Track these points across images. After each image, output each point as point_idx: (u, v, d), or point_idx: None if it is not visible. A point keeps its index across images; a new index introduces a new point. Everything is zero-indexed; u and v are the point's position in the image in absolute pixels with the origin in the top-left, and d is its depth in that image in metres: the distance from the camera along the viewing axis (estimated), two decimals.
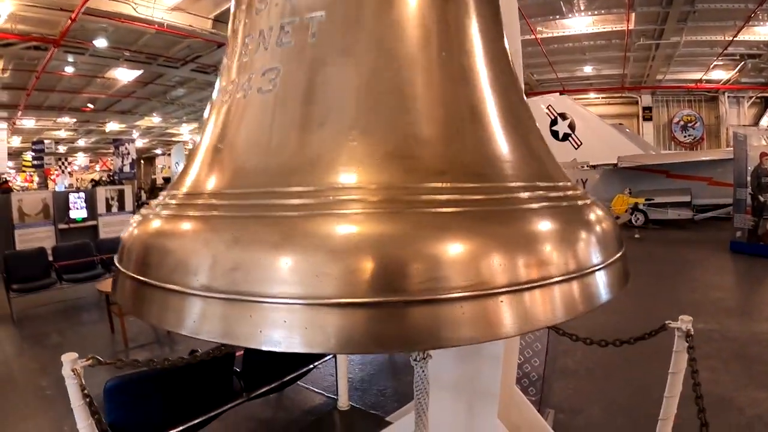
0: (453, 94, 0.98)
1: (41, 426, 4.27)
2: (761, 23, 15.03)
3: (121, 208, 12.70)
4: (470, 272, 0.75)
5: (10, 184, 21.36)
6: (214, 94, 1.16)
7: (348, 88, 0.93)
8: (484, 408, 2.22)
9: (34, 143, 24.28)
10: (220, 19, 12.07)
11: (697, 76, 21.76)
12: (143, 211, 1.07)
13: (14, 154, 27.20)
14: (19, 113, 19.46)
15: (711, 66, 20.00)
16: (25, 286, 7.43)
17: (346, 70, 0.95)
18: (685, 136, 24.21)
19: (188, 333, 0.81)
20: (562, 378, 4.69)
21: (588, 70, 21.21)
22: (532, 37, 16.64)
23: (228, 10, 1.31)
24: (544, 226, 0.86)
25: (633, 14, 14.63)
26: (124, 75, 16.39)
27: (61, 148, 30.99)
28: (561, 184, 1.03)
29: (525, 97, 1.22)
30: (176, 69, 16.25)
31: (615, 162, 16.40)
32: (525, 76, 21.97)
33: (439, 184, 0.84)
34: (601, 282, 0.92)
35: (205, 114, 1.18)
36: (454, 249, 0.75)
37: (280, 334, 0.74)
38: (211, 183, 1.00)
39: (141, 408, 2.89)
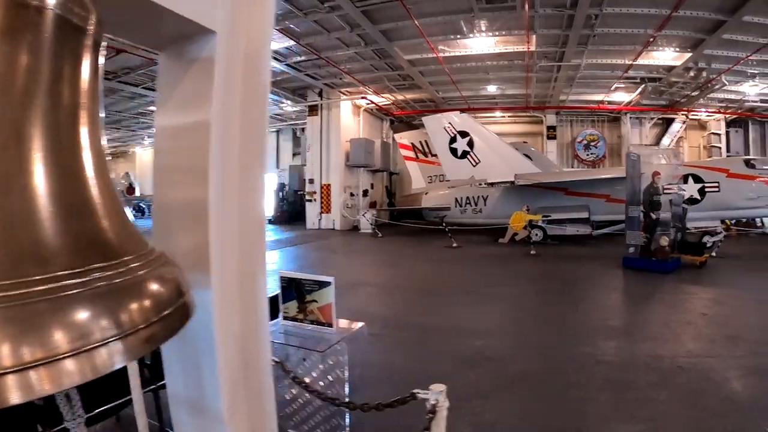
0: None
1: None
2: (660, 48, 15.76)
3: None
4: None
5: None
6: None
7: None
8: None
9: None
10: None
11: (600, 97, 22.78)
12: None
13: None
14: None
15: (612, 88, 20.96)
16: None
17: None
18: (587, 155, 25.33)
19: None
20: None
21: (492, 89, 21.58)
22: (434, 55, 16.57)
23: None
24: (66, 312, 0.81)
25: (534, 36, 14.88)
26: None
27: None
28: (121, 260, 0.96)
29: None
30: None
31: (512, 180, 16.82)
32: (430, 93, 22.11)
33: None
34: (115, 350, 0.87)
35: None
36: None
37: None
38: None
39: None
